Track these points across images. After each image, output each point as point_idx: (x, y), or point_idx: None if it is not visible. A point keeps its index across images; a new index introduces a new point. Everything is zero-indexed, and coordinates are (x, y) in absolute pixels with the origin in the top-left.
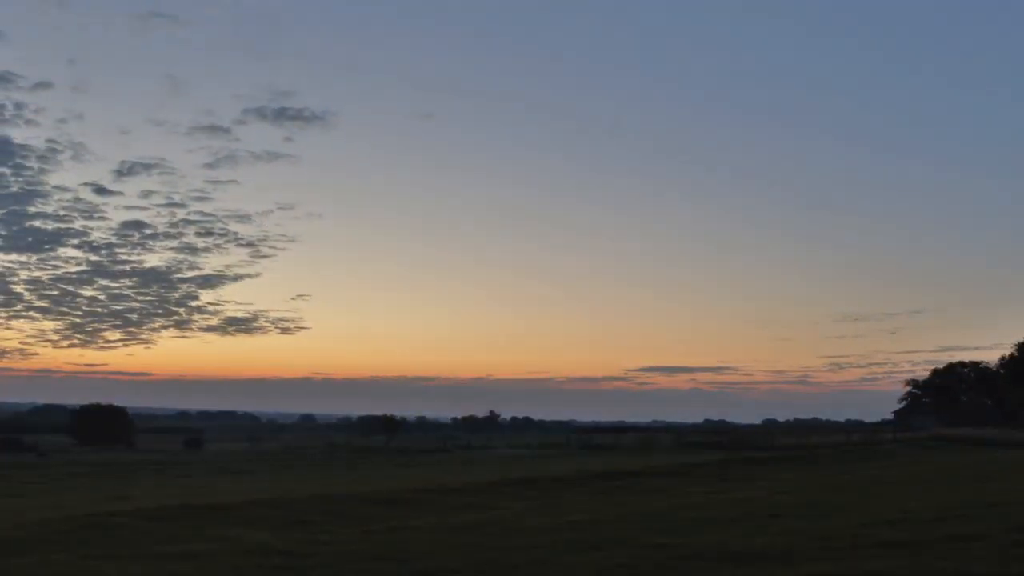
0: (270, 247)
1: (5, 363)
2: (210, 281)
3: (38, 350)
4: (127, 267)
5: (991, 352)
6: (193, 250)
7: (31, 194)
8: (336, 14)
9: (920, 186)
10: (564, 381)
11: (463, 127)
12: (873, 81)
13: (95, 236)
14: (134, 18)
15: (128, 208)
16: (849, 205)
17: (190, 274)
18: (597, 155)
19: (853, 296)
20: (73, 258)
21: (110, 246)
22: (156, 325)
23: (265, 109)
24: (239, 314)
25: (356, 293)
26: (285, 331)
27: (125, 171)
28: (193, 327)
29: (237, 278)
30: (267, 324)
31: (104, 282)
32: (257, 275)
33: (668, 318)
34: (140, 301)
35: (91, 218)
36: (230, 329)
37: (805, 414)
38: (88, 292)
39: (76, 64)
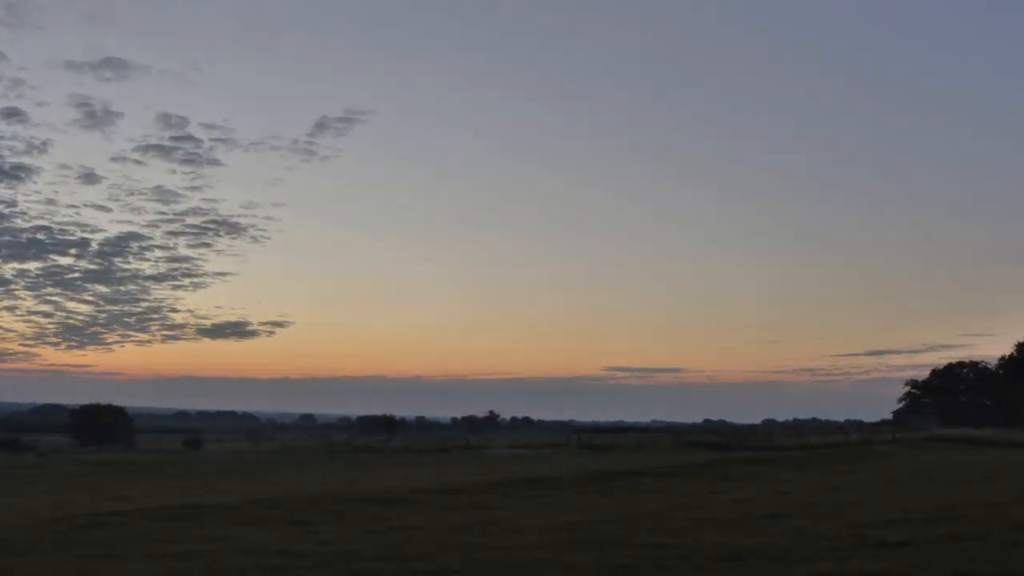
0: (263, 252)
1: (5, 363)
2: (204, 285)
3: (38, 350)
4: (124, 274)
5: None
6: (186, 259)
7: (35, 213)
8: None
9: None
10: (562, 380)
11: (462, 129)
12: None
13: (93, 247)
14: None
15: (122, 222)
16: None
17: (184, 280)
18: (597, 158)
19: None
20: (73, 266)
21: (105, 255)
22: (153, 327)
23: (243, 143)
24: (233, 317)
25: (355, 293)
26: (282, 333)
27: (120, 191)
28: (188, 330)
29: (230, 282)
30: (262, 326)
31: (102, 288)
32: (251, 279)
33: (661, 319)
34: (137, 305)
35: (91, 231)
36: (226, 331)
37: (803, 414)
38: (87, 297)
39: (74, 105)
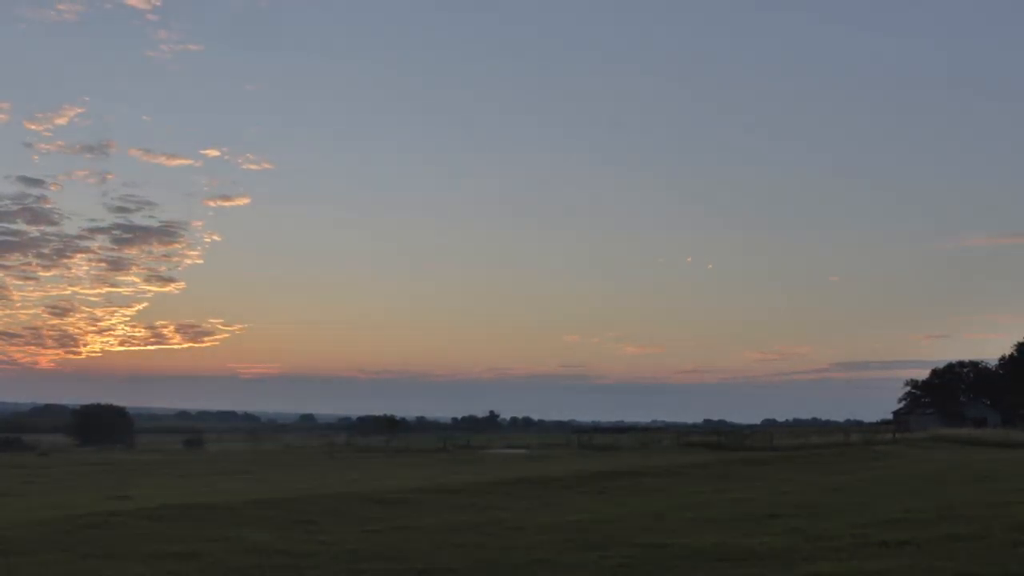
0: (256, 255)
1: (5, 363)
2: (200, 286)
3: (38, 350)
4: (120, 282)
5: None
6: (172, 279)
7: (39, 240)
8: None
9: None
10: (563, 379)
11: (487, 123)
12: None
13: (87, 267)
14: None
15: (112, 247)
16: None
17: (180, 283)
18: (598, 156)
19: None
20: (73, 278)
21: (99, 277)
22: (150, 329)
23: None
24: (225, 317)
25: (356, 292)
26: (279, 333)
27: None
28: (183, 332)
29: (225, 283)
30: (258, 325)
31: (98, 296)
32: (247, 280)
33: (661, 317)
34: (134, 307)
35: (83, 253)
36: (224, 331)
37: (804, 414)
38: (85, 303)
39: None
